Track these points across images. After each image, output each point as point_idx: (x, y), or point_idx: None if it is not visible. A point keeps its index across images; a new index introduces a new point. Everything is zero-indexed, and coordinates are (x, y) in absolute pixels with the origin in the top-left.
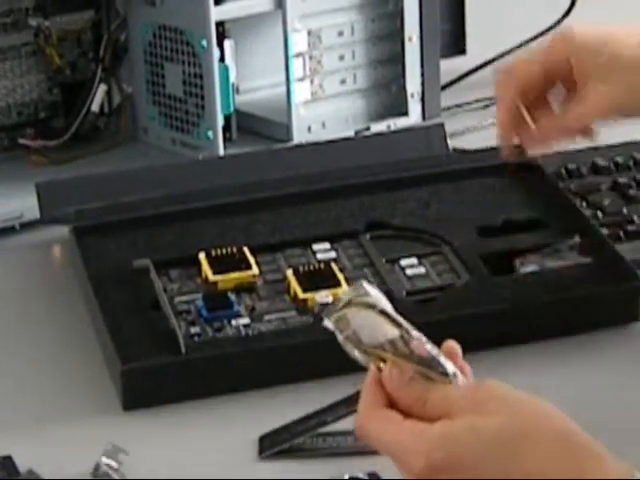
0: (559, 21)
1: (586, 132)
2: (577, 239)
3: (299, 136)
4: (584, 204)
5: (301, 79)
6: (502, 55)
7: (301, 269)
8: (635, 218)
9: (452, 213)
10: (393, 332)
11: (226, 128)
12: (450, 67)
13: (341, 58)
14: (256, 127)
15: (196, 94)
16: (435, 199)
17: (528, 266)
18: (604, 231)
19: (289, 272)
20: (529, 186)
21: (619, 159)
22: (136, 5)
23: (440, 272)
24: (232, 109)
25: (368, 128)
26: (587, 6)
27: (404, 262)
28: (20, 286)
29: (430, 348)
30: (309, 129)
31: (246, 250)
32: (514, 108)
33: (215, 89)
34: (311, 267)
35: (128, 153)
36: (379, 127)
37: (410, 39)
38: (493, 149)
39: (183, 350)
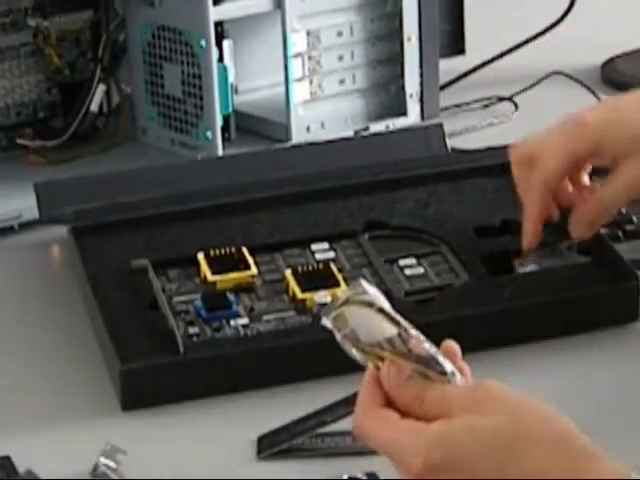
0: (558, 21)
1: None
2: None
3: (298, 136)
4: None
5: (300, 79)
6: (501, 55)
7: (300, 269)
8: (634, 218)
9: (451, 213)
10: (391, 330)
11: (225, 128)
12: (449, 67)
13: (340, 58)
14: (255, 127)
15: (195, 94)
16: (434, 199)
17: (527, 266)
18: (603, 231)
19: (288, 272)
20: None
21: None
22: (135, 5)
23: (439, 272)
24: (231, 109)
25: (367, 128)
26: (586, 6)
27: (403, 262)
28: (19, 286)
29: (428, 347)
30: (308, 129)
31: (245, 250)
32: (543, 204)
33: (214, 89)
34: (310, 267)
35: (127, 153)
36: (378, 127)
37: (409, 39)
38: (492, 149)
39: (182, 350)
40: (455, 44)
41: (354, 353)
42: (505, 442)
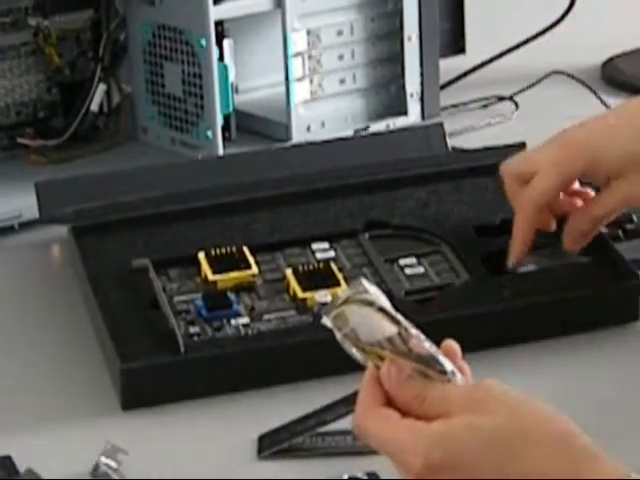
0: (558, 21)
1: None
2: None
3: (298, 136)
4: None
5: (300, 79)
6: (501, 55)
7: (300, 269)
8: (634, 217)
9: (451, 212)
10: (391, 329)
11: (225, 128)
12: (449, 66)
13: (340, 57)
14: (255, 127)
15: (195, 94)
16: (434, 198)
17: (527, 265)
18: (603, 230)
19: (288, 271)
20: None
21: None
22: (135, 4)
23: (439, 271)
24: (231, 108)
25: (367, 128)
26: (586, 6)
27: (403, 261)
28: (19, 286)
29: (428, 346)
30: (308, 129)
31: (245, 249)
32: (533, 222)
33: (214, 88)
34: (310, 266)
35: (127, 153)
36: (378, 127)
37: (409, 38)
38: (492, 149)
39: (182, 350)
40: (455, 43)
41: (354, 352)
42: (505, 442)
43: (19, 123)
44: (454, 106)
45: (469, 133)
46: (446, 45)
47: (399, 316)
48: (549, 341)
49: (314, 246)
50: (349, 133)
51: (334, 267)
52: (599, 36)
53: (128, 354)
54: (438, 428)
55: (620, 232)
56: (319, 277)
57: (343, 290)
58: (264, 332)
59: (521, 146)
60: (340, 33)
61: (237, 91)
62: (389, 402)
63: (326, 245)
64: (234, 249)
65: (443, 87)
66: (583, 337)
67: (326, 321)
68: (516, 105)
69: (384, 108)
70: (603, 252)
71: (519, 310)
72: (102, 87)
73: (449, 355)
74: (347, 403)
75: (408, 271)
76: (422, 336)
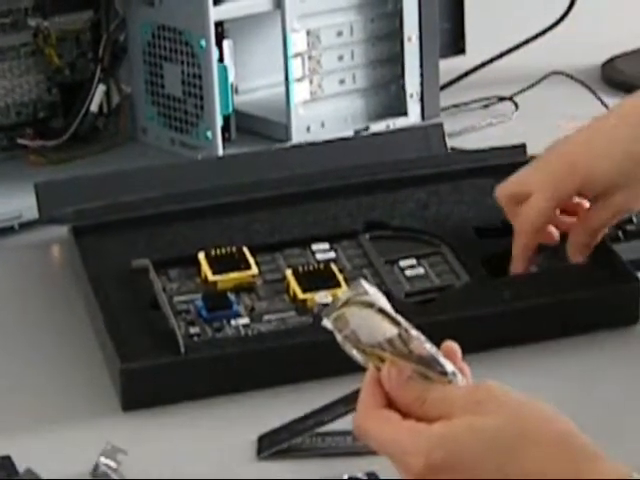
0: (558, 21)
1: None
2: None
3: (298, 136)
4: None
5: (300, 79)
6: (501, 55)
7: (300, 269)
8: (634, 218)
9: (451, 213)
10: (392, 331)
11: (225, 128)
12: (449, 67)
13: (340, 58)
14: (255, 127)
15: (195, 94)
16: (434, 199)
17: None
18: None
19: (288, 272)
20: None
21: None
22: (135, 5)
23: (439, 273)
24: (231, 109)
25: (367, 128)
26: (586, 6)
27: (403, 263)
28: (19, 286)
29: (429, 347)
30: (308, 129)
31: (245, 250)
32: (532, 241)
33: (214, 89)
34: (310, 267)
35: (127, 153)
36: (378, 127)
37: (409, 39)
38: (492, 149)
39: (182, 350)
40: (455, 44)
41: (355, 354)
42: (505, 442)
43: (19, 123)
44: (454, 106)
45: (469, 133)
46: (446, 45)
47: (399, 317)
48: (549, 342)
49: (314, 247)
50: (349, 133)
51: (334, 268)
52: (599, 36)
53: (128, 354)
54: (439, 429)
55: (620, 233)
56: (319, 278)
57: (343, 291)
58: (264, 333)
59: (521, 146)
60: (340, 34)
61: (237, 92)
62: (390, 403)
63: (326, 246)
64: (234, 249)
65: (443, 87)
66: (583, 339)
67: (327, 323)
68: (516, 105)
69: (384, 108)
70: (603, 255)
71: (519, 312)
72: (102, 88)
73: (449, 356)
74: (346, 403)
75: (408, 272)
76: (422, 337)
